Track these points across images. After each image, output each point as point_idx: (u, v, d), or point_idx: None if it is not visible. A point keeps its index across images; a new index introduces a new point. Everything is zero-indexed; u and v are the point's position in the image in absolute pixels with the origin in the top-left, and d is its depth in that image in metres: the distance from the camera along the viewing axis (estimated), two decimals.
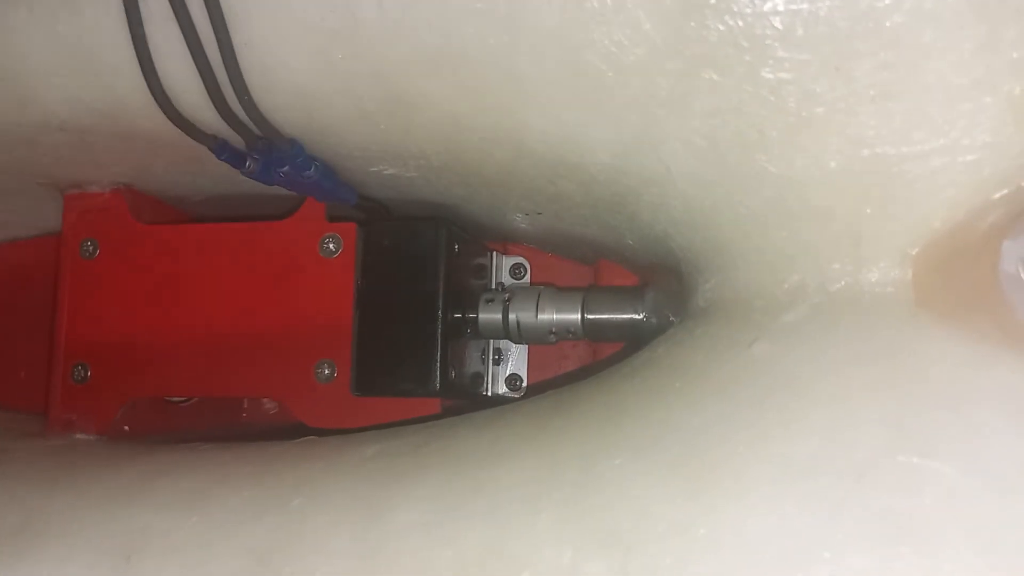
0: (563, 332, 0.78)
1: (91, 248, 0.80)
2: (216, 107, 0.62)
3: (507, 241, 0.90)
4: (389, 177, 0.72)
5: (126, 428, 0.80)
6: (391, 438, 0.61)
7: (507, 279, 0.88)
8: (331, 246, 0.75)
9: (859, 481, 0.43)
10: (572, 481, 0.51)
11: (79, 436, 0.78)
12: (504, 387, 0.86)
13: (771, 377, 0.50)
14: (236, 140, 0.67)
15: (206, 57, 0.59)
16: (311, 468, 0.58)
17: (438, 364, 0.73)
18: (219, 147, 0.66)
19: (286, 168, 0.67)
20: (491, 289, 0.86)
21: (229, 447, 0.66)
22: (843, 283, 0.51)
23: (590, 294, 0.78)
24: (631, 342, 0.76)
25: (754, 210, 0.54)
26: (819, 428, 0.46)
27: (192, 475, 0.60)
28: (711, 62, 0.49)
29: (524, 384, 0.86)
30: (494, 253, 0.88)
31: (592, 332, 0.77)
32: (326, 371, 0.74)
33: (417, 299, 0.74)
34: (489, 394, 0.85)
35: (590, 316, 0.77)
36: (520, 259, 0.88)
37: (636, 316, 0.75)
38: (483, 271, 0.85)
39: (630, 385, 0.58)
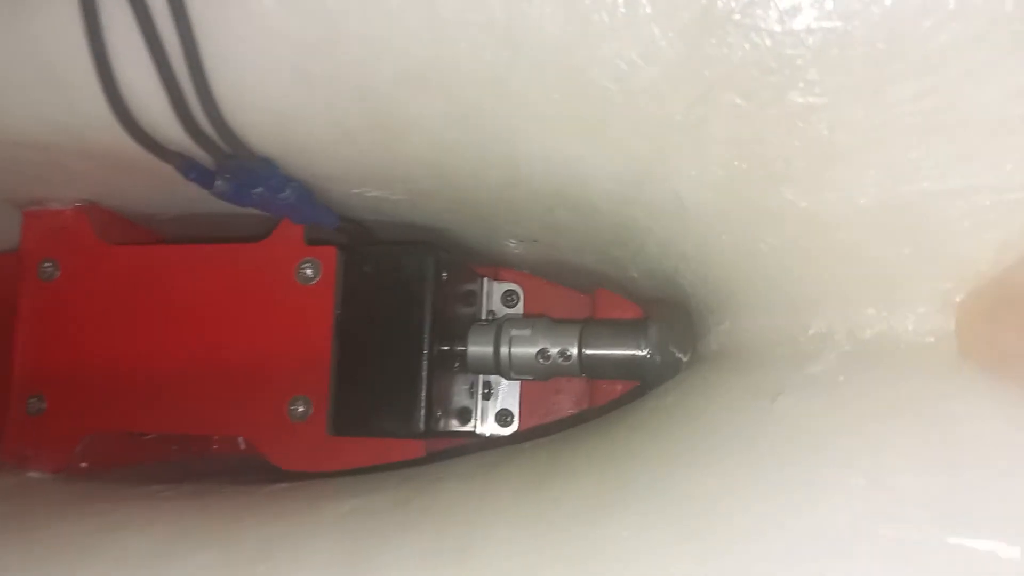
0: (558, 368, 0.73)
1: (50, 269, 0.75)
2: (182, 123, 0.57)
3: (499, 266, 0.85)
4: (373, 199, 0.67)
5: (84, 465, 0.74)
6: (370, 492, 0.56)
7: (498, 307, 0.83)
8: (309, 272, 0.69)
9: (904, 566, 0.38)
10: (573, 547, 0.46)
11: (32, 475, 0.72)
12: (494, 422, 0.81)
13: (796, 437, 0.45)
14: (205, 158, 0.61)
15: (171, 69, 0.54)
16: (282, 525, 0.53)
17: (423, 403, 0.67)
18: (186, 166, 0.61)
19: (259, 189, 0.62)
20: (481, 320, 0.81)
21: (194, 496, 0.60)
22: (876, 330, 0.46)
23: (588, 327, 0.73)
24: (632, 380, 0.71)
25: (776, 248, 0.49)
26: (852, 499, 0.41)
27: (151, 530, 0.55)
28: (733, 84, 0.45)
29: (515, 420, 0.81)
30: (484, 279, 0.83)
31: (590, 368, 0.72)
32: (300, 408, 0.68)
33: (401, 331, 0.69)
34: (477, 431, 0.79)
35: (588, 351, 0.72)
36: (513, 285, 0.83)
37: (639, 352, 0.70)
38: (473, 298, 0.80)
39: (638, 437, 0.52)
